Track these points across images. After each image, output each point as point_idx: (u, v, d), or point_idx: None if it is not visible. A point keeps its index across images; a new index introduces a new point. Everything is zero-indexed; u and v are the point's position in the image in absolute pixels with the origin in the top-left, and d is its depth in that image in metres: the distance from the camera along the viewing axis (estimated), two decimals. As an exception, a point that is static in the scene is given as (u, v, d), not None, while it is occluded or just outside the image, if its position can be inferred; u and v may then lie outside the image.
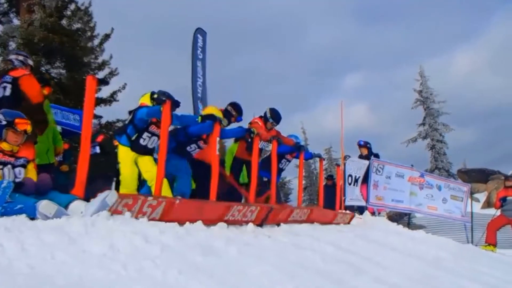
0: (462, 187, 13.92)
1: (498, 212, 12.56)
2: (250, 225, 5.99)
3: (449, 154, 37.83)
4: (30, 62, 6.90)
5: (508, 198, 12.25)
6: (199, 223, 5.40)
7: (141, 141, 6.53)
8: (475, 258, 8.75)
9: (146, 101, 6.80)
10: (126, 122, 6.81)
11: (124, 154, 6.60)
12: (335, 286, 4.26)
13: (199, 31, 12.46)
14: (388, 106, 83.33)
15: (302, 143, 9.76)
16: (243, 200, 8.77)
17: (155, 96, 6.62)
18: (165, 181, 6.39)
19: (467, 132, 79.73)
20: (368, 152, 12.14)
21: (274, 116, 8.89)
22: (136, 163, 6.60)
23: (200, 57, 12.29)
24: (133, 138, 6.55)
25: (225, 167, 9.15)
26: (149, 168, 6.52)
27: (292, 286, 3.88)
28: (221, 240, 4.85)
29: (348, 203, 10.76)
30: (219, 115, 7.58)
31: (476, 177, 32.28)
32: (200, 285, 3.48)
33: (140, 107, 6.67)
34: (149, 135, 6.51)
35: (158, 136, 6.45)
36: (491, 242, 12.09)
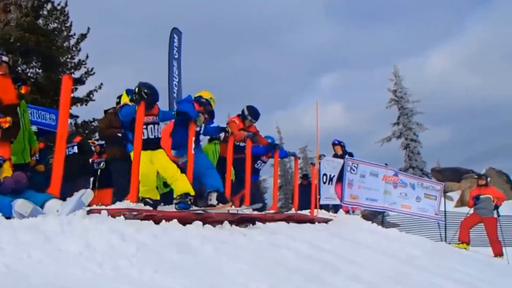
0: (436, 185, 14.04)
1: (471, 211, 12.73)
2: (226, 223, 6.02)
3: (423, 153, 38.22)
4: (5, 58, 6.76)
5: (481, 196, 12.43)
6: (175, 222, 5.43)
7: (142, 136, 6.34)
8: (449, 256, 8.90)
9: (126, 99, 6.77)
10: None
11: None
12: (311, 284, 4.29)
13: (175, 31, 12.49)
14: (364, 106, 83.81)
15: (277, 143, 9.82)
16: None
17: (136, 89, 6.52)
18: (183, 177, 6.40)
19: (441, 131, 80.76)
20: (342, 151, 12.23)
21: (252, 113, 8.92)
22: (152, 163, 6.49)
23: (176, 56, 12.33)
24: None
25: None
26: (163, 165, 6.44)
27: (267, 284, 3.89)
28: (197, 239, 4.86)
29: (323, 202, 10.79)
30: (213, 99, 7.59)
31: (450, 176, 32.68)
32: (176, 284, 3.50)
33: (121, 107, 6.66)
34: (144, 126, 6.34)
35: (152, 123, 6.49)
36: (464, 240, 12.27)
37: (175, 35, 12.38)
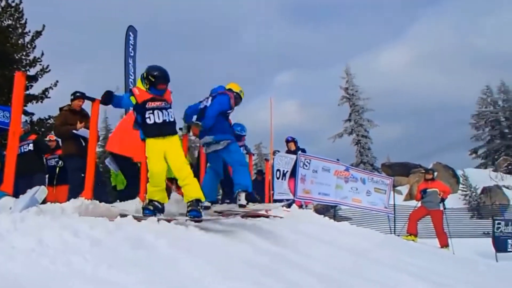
0: (385, 180, 14.36)
1: (419, 204, 13.18)
2: (181, 218, 6.01)
3: (374, 149, 39.39)
4: None
5: (428, 190, 12.90)
6: (130, 217, 5.43)
7: (148, 120, 6.04)
8: (398, 248, 9.15)
9: (139, 84, 6.47)
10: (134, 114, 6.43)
11: (148, 148, 6.12)
12: (267, 278, 4.33)
13: (131, 29, 12.40)
14: (318, 103, 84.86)
15: (245, 132, 9.82)
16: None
17: (145, 74, 6.15)
18: (195, 181, 6.10)
19: (391, 128, 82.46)
20: (295, 147, 12.32)
21: None
22: (166, 160, 6.11)
23: (132, 54, 12.23)
24: (141, 122, 6.17)
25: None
26: (178, 165, 6.08)
27: (223, 278, 3.94)
28: (151, 234, 4.84)
29: (276, 197, 10.92)
30: (242, 92, 7.56)
31: (399, 170, 33.43)
32: (131, 279, 3.52)
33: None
34: (150, 111, 6.05)
35: (160, 108, 6.08)
36: (412, 232, 12.71)
37: (130, 33, 12.29)
